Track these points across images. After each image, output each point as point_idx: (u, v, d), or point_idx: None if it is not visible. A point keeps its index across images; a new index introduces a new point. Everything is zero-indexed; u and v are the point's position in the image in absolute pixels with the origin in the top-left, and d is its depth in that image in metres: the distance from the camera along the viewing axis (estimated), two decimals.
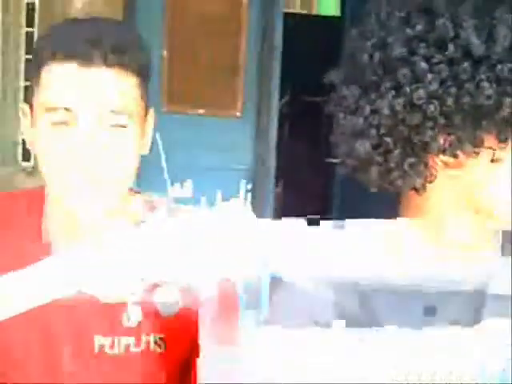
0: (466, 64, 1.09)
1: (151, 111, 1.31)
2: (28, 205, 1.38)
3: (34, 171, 3.66)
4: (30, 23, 3.55)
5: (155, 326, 1.42)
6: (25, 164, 3.70)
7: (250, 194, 3.20)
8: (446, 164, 1.19)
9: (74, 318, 1.35)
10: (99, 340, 1.40)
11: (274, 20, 3.82)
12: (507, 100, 1.09)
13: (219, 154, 3.78)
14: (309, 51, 6.47)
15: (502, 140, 1.12)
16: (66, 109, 1.22)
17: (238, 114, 3.89)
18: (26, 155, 3.69)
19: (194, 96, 3.75)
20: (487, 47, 1.08)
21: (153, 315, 1.26)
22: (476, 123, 1.11)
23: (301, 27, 5.96)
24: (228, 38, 3.81)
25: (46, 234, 1.34)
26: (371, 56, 1.14)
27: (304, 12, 10.12)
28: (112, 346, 1.40)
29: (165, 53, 3.79)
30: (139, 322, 1.23)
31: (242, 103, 3.88)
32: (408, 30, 1.12)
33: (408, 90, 1.11)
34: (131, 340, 1.40)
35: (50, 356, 1.43)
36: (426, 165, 1.20)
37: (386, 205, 1.34)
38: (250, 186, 3.91)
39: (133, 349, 1.42)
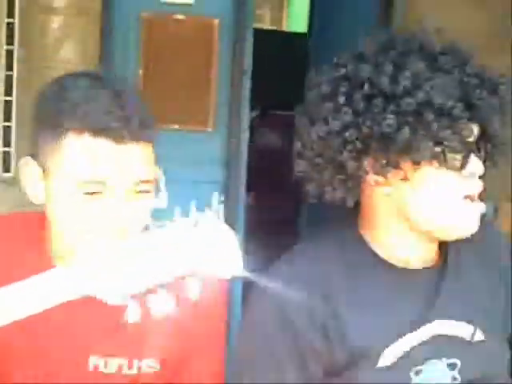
0: (378, 100, 1.32)
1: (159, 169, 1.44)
2: (26, 229, 1.50)
3: (13, 181, 3.65)
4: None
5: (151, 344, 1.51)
6: (5, 175, 3.72)
7: (222, 206, 3.40)
8: (377, 182, 1.40)
9: (70, 328, 1.44)
10: (93, 359, 1.48)
11: (244, 42, 3.92)
12: (406, 128, 1.31)
13: (193, 168, 3.83)
14: (276, 65, 6.57)
15: (416, 163, 1.34)
16: (100, 182, 1.31)
17: (210, 129, 3.95)
18: (7, 166, 3.70)
19: (168, 112, 3.81)
20: (394, 87, 1.30)
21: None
22: (387, 148, 1.32)
23: (269, 42, 6.04)
24: (200, 58, 3.90)
25: (49, 259, 1.45)
26: (310, 94, 1.40)
27: (274, 28, 10.24)
28: (105, 366, 1.48)
29: (140, 72, 3.86)
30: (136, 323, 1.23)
31: (214, 119, 3.94)
32: (335, 72, 1.37)
33: (330, 119, 1.34)
34: (124, 362, 1.49)
35: (45, 365, 1.51)
36: (358, 182, 1.41)
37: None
38: (222, 198, 4.08)
39: (126, 371, 1.51)
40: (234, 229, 3.60)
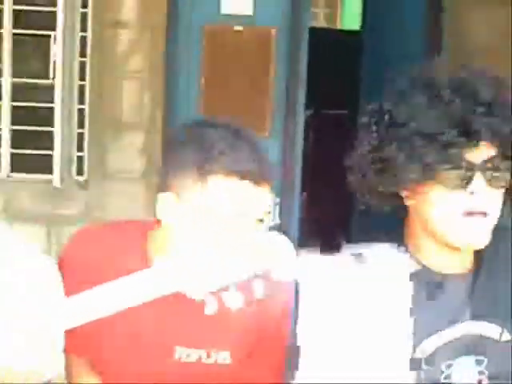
0: (391, 129, 1.58)
1: None
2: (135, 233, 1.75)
3: (85, 183, 3.93)
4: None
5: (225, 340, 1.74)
6: (79, 178, 3.88)
7: (278, 206, 3.71)
8: (405, 196, 1.63)
9: (159, 324, 1.64)
10: (179, 350, 1.72)
11: (299, 51, 4.09)
12: (402, 154, 1.55)
13: None
14: (331, 64, 6.65)
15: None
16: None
17: (266, 133, 4.10)
18: (80, 170, 3.89)
19: (227, 118, 4.02)
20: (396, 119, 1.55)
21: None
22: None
23: (323, 41, 5.93)
24: (258, 66, 4.09)
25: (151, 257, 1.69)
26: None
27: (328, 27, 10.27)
28: (188, 356, 1.72)
29: (202, 80, 4.06)
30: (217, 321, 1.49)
31: (270, 124, 4.13)
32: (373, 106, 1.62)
33: (365, 142, 1.62)
34: (203, 353, 1.72)
35: (138, 352, 1.75)
36: (393, 194, 1.63)
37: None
38: (278, 200, 4.30)
39: (205, 360, 1.74)
40: (289, 227, 3.85)
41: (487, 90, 1.57)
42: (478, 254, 1.66)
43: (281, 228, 4.39)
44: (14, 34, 3.74)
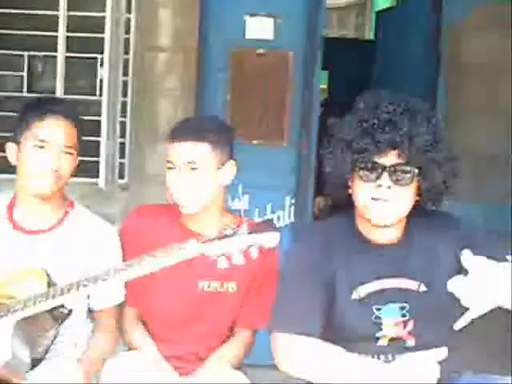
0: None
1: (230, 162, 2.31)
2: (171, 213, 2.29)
3: (126, 186, 4.16)
4: None
5: (232, 275, 2.26)
6: (121, 181, 4.09)
7: (293, 207, 4.34)
8: (348, 187, 2.21)
9: (187, 268, 2.17)
10: (201, 283, 2.25)
11: (313, 70, 4.34)
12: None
13: (269, 176, 4.26)
14: (346, 70, 6.79)
15: None
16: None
17: (284, 144, 4.36)
18: (122, 174, 4.09)
19: (250, 130, 4.28)
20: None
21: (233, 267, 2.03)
22: None
23: (338, 49, 6.18)
24: (278, 84, 4.31)
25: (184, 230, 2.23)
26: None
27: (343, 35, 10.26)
28: (208, 286, 2.26)
29: (228, 97, 4.31)
30: (225, 269, 2.00)
31: (288, 135, 4.35)
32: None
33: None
34: (218, 284, 2.26)
35: (172, 291, 2.27)
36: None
37: None
38: (293, 201, 4.83)
39: (219, 289, 2.28)
40: (302, 225, 4.34)
41: (396, 114, 2.02)
42: (404, 230, 2.13)
43: (295, 225, 4.88)
44: (67, 57, 3.92)
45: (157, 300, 2.36)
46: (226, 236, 1.94)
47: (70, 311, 2.15)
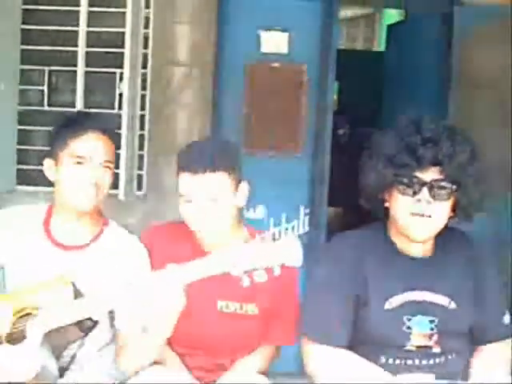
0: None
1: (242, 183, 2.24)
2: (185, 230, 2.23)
3: (144, 197, 4.14)
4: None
5: (252, 297, 2.21)
6: (138, 192, 4.08)
7: (307, 217, 4.35)
8: (384, 200, 2.25)
9: (206, 287, 2.12)
10: (220, 303, 2.22)
11: (327, 82, 4.39)
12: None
13: (284, 186, 4.28)
14: (358, 82, 6.68)
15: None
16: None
17: (299, 154, 4.40)
18: (140, 185, 4.08)
19: (266, 141, 4.32)
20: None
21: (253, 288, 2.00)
22: None
23: (349, 61, 6.11)
24: (292, 97, 4.36)
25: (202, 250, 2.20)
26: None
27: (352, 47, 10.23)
28: (227, 307, 2.22)
29: (244, 110, 4.35)
30: (245, 290, 1.96)
31: (303, 146, 4.39)
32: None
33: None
34: (237, 305, 2.22)
35: (190, 310, 2.24)
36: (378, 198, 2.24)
37: None
38: (307, 211, 4.84)
39: (238, 311, 2.23)
40: (318, 234, 4.37)
41: (438, 132, 2.06)
42: (434, 243, 2.16)
43: (310, 234, 4.92)
44: (86, 72, 3.95)
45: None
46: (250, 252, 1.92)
47: (96, 322, 2.16)
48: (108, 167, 2.31)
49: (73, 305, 2.06)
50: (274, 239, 1.89)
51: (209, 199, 2.17)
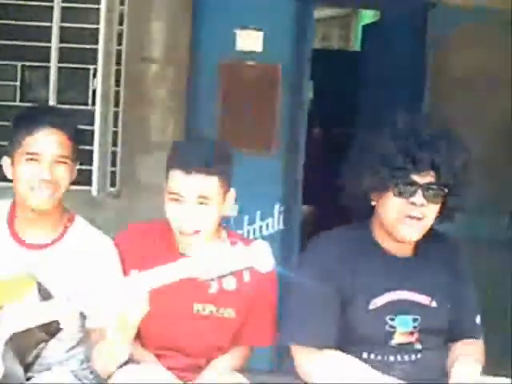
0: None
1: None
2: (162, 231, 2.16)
3: (117, 194, 4.12)
4: None
5: (229, 301, 2.15)
6: (112, 189, 4.05)
7: (282, 215, 4.28)
8: (372, 199, 2.21)
9: (183, 289, 2.07)
10: (196, 306, 2.16)
11: (302, 82, 4.37)
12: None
13: (258, 184, 4.18)
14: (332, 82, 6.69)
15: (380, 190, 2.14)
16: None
17: (273, 152, 4.34)
18: (113, 182, 4.05)
19: (240, 140, 4.23)
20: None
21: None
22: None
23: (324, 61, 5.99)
24: (266, 95, 4.32)
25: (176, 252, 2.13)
26: None
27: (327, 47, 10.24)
28: (203, 310, 2.16)
29: (219, 106, 4.28)
30: (221, 294, 1.92)
31: (277, 145, 4.34)
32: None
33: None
34: (214, 308, 2.17)
35: (166, 313, 2.18)
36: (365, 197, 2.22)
37: None
38: (282, 209, 4.79)
39: (215, 314, 2.18)
40: (291, 232, 4.32)
41: (436, 137, 2.05)
42: (417, 245, 2.13)
43: (284, 232, 4.88)
44: (60, 68, 3.90)
45: (150, 321, 2.26)
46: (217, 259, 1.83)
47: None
48: (64, 163, 2.21)
49: (39, 306, 1.98)
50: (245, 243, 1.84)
51: (199, 201, 2.09)
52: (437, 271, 2.20)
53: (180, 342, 2.26)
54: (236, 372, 2.28)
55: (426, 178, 2.08)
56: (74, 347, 2.29)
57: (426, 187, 2.08)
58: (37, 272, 2.13)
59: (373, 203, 2.15)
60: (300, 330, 2.13)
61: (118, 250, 2.26)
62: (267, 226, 4.28)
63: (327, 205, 5.54)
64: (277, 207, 4.34)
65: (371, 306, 2.12)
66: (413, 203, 2.07)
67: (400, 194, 2.07)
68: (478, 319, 2.27)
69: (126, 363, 2.24)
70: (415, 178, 2.08)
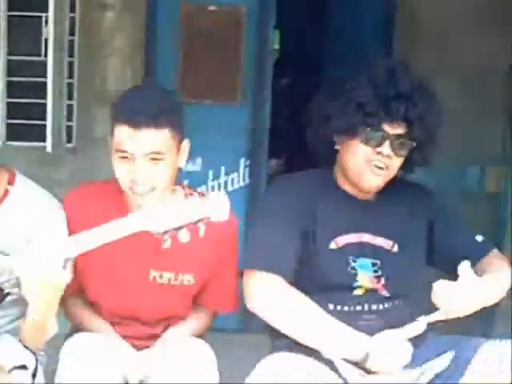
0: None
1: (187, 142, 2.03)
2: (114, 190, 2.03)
3: (74, 150, 4.04)
4: None
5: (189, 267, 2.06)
6: (68, 145, 3.96)
7: (247, 169, 4.11)
8: (337, 143, 2.17)
9: (139, 256, 2.00)
10: (153, 273, 2.04)
11: (267, 27, 4.18)
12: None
13: (223, 137, 4.11)
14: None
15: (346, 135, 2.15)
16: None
17: (237, 103, 4.22)
18: (69, 138, 3.96)
19: (202, 90, 4.14)
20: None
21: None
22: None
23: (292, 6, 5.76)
24: (230, 41, 4.17)
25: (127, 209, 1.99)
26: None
27: None
28: (160, 277, 2.04)
29: (180, 55, 4.13)
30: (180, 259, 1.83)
31: (242, 94, 4.20)
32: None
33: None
34: (171, 275, 2.05)
35: (116, 279, 2.06)
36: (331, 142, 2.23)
37: None
38: (248, 162, 4.64)
39: (173, 282, 2.05)
40: (258, 187, 4.18)
41: (413, 89, 2.03)
42: (380, 191, 2.08)
43: (250, 187, 4.76)
44: (9, 16, 3.81)
45: (103, 288, 2.12)
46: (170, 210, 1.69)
47: (8, 293, 1.97)
48: None
49: None
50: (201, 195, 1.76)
51: (150, 157, 1.94)
52: (402, 217, 2.18)
53: (137, 312, 2.14)
54: (197, 337, 2.17)
55: (397, 129, 2.06)
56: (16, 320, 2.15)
57: (395, 138, 2.06)
58: None
59: (337, 147, 2.13)
60: (257, 255, 2.09)
61: (65, 211, 2.11)
62: (232, 181, 4.18)
63: (295, 158, 5.51)
64: (242, 161, 4.22)
65: (332, 246, 2.10)
66: (379, 153, 2.05)
67: (367, 142, 2.06)
68: (479, 238, 2.23)
69: (77, 331, 2.14)
70: (386, 127, 2.05)
